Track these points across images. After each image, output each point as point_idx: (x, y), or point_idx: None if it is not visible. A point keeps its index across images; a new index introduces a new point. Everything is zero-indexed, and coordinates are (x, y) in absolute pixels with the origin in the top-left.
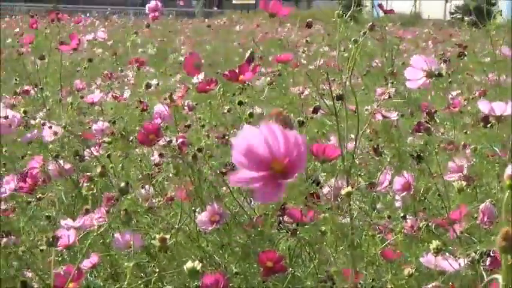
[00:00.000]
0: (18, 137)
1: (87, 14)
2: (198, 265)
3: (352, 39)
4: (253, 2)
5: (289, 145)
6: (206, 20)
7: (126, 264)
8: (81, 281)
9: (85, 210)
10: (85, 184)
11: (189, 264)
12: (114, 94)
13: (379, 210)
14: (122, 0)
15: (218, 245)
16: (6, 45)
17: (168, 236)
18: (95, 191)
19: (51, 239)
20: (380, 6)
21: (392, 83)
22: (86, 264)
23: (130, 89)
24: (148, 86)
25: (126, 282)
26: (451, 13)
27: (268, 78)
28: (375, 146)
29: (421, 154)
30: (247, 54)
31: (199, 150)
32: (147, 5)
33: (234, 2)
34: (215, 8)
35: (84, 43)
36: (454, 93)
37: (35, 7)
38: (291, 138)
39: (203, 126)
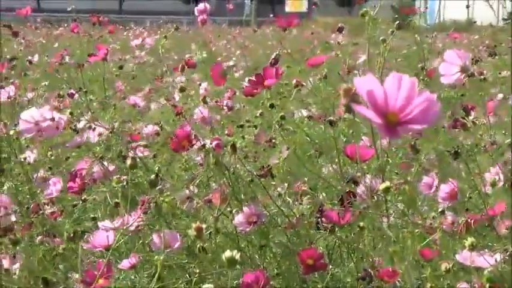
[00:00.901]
0: (63, 140)
1: (132, 24)
2: (236, 254)
3: (381, 38)
4: (306, 10)
5: (410, 101)
6: (257, 29)
7: (156, 257)
8: (110, 277)
9: (115, 204)
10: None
11: (227, 253)
12: (166, 98)
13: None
14: (177, 9)
15: (257, 246)
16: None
17: (204, 226)
18: (125, 183)
19: (72, 235)
20: (401, 8)
21: (422, 79)
22: (125, 264)
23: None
24: (182, 90)
25: (157, 273)
26: (504, 19)
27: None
28: (412, 143)
29: (459, 151)
30: (272, 57)
31: (234, 148)
32: (195, 8)
33: (286, 10)
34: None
35: (134, 50)
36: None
37: (87, 17)
38: (417, 97)
39: (255, 127)
